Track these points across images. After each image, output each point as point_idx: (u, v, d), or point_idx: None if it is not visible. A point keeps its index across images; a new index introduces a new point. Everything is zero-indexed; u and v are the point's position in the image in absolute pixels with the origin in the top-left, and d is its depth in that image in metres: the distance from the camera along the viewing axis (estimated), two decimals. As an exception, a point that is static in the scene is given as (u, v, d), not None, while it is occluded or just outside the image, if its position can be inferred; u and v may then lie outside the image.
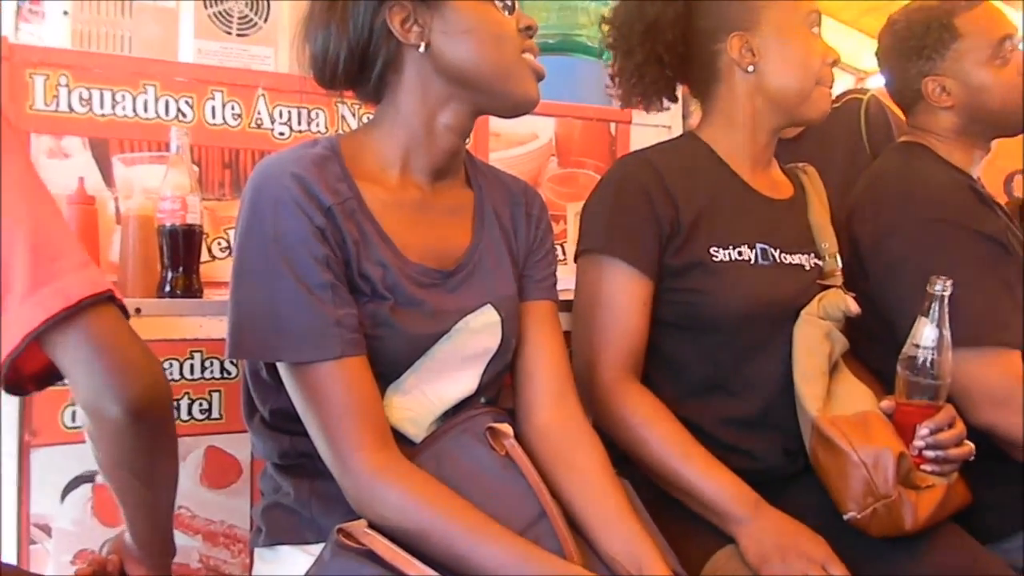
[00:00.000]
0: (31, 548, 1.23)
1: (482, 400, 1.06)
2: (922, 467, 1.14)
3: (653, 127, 1.75)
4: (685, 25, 1.33)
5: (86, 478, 1.25)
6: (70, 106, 1.44)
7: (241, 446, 1.34)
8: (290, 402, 0.93)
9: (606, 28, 1.40)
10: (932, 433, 1.14)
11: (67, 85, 1.43)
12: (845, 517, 1.12)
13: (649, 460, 1.17)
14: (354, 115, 1.57)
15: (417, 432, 0.99)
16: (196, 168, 1.49)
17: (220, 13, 1.72)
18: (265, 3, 1.73)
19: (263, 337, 0.91)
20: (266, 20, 1.73)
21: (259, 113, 1.53)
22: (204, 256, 1.41)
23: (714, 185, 1.31)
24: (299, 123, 1.55)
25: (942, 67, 1.43)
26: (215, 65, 1.67)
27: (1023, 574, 1.21)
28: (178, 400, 1.31)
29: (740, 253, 1.26)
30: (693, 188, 1.28)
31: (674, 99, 1.44)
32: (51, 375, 0.81)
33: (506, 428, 0.99)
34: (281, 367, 0.93)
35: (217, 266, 1.50)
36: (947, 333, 1.15)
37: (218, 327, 1.22)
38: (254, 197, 0.92)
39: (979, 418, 1.26)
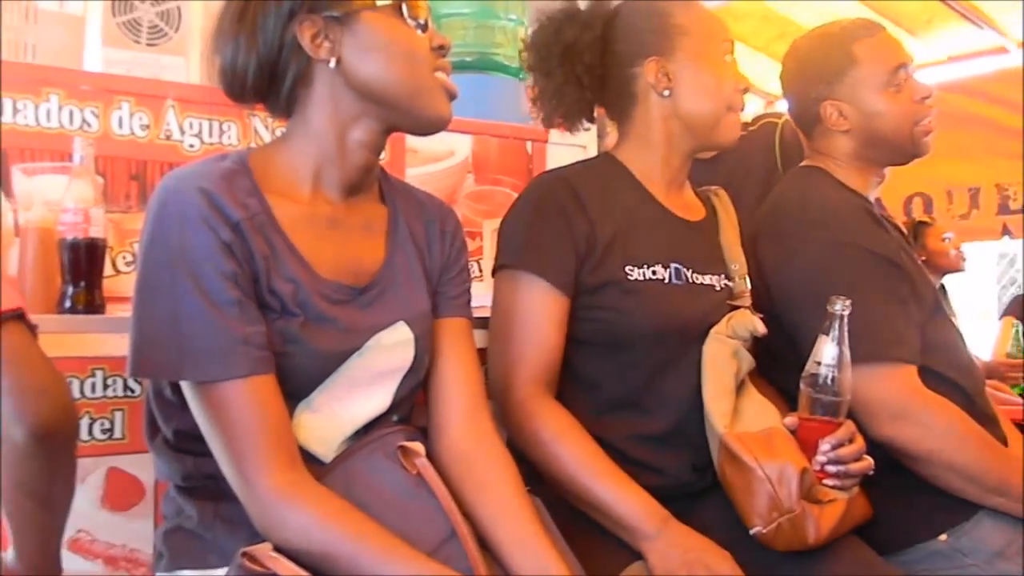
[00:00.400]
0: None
1: (394, 418, 1.05)
2: (824, 482, 1.18)
3: (569, 147, 1.77)
4: (603, 48, 1.36)
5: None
6: (-33, 114, 1.38)
7: (144, 467, 1.29)
8: (194, 422, 0.91)
9: (525, 52, 1.42)
10: (833, 448, 1.18)
11: (-36, 92, 1.37)
12: (751, 531, 1.14)
13: (561, 477, 1.18)
14: (267, 128, 1.54)
15: (326, 451, 0.97)
16: (101, 180, 1.44)
17: (130, 22, 1.67)
18: (176, 12, 1.69)
19: (166, 355, 0.88)
20: (177, 30, 1.69)
21: (168, 124, 1.50)
22: (108, 270, 1.37)
23: (630, 205, 1.33)
24: (210, 135, 1.52)
25: (840, 92, 1.48)
26: (123, 75, 1.62)
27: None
28: (79, 420, 1.26)
29: (654, 272, 1.28)
30: (609, 207, 1.30)
31: (592, 120, 1.46)
32: None
33: (418, 447, 0.99)
34: (185, 386, 0.91)
35: (122, 281, 1.45)
36: (847, 351, 1.19)
37: (121, 344, 1.16)
38: (159, 211, 0.90)
39: (879, 431, 1.30)
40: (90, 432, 1.27)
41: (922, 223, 3.89)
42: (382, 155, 1.09)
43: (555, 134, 1.77)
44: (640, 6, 1.37)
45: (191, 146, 1.51)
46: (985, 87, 4.31)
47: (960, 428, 1.31)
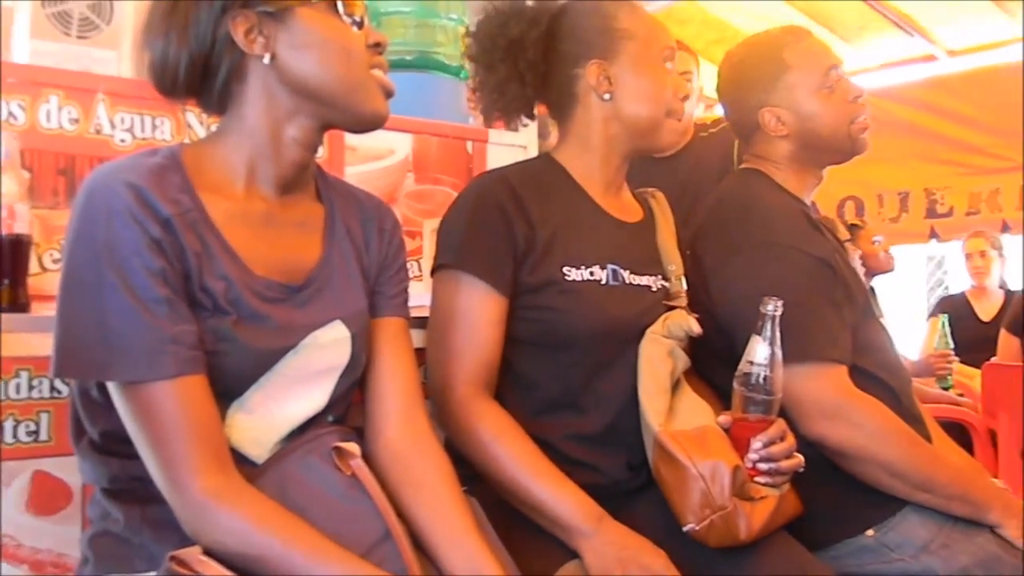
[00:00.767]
0: None
1: (330, 418, 1.04)
2: (756, 479, 1.20)
3: (510, 147, 1.78)
4: (547, 46, 1.36)
5: None
6: None
7: (72, 470, 1.25)
8: (121, 423, 0.89)
9: (468, 41, 1.41)
10: (765, 446, 1.20)
11: None
12: (684, 528, 1.16)
13: (499, 476, 1.18)
14: (202, 124, 1.51)
15: (260, 452, 0.96)
16: (27, 174, 1.39)
17: (59, 13, 1.62)
18: (108, 5, 1.65)
19: (92, 355, 0.86)
20: (109, 22, 1.65)
21: (99, 118, 1.46)
22: (34, 268, 1.33)
23: (568, 206, 1.33)
24: (142, 130, 1.48)
25: (776, 98, 1.51)
26: (51, 67, 1.58)
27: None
28: (3, 422, 1.22)
29: (592, 273, 1.29)
30: (548, 208, 1.30)
31: (532, 117, 1.46)
32: None
33: (353, 447, 0.98)
34: (111, 387, 0.88)
35: (48, 278, 1.40)
36: (779, 351, 1.22)
37: (47, 343, 1.12)
38: (85, 206, 0.88)
39: (810, 430, 1.33)
40: (15, 434, 1.23)
41: (854, 226, 3.99)
42: (320, 153, 1.08)
43: (495, 134, 1.77)
44: (586, 7, 1.38)
45: (122, 141, 1.48)
46: (915, 94, 4.45)
47: (888, 426, 1.35)
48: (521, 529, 1.15)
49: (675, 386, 1.31)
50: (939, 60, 4.35)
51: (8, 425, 1.22)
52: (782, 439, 1.23)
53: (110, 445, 0.94)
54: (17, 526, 1.22)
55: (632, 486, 1.29)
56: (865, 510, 1.37)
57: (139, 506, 0.94)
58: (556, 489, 1.16)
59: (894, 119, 4.35)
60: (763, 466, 1.20)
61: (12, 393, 1.23)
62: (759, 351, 1.21)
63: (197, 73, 0.97)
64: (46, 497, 1.24)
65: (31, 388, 1.23)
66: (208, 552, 0.85)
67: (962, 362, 3.27)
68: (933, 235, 4.49)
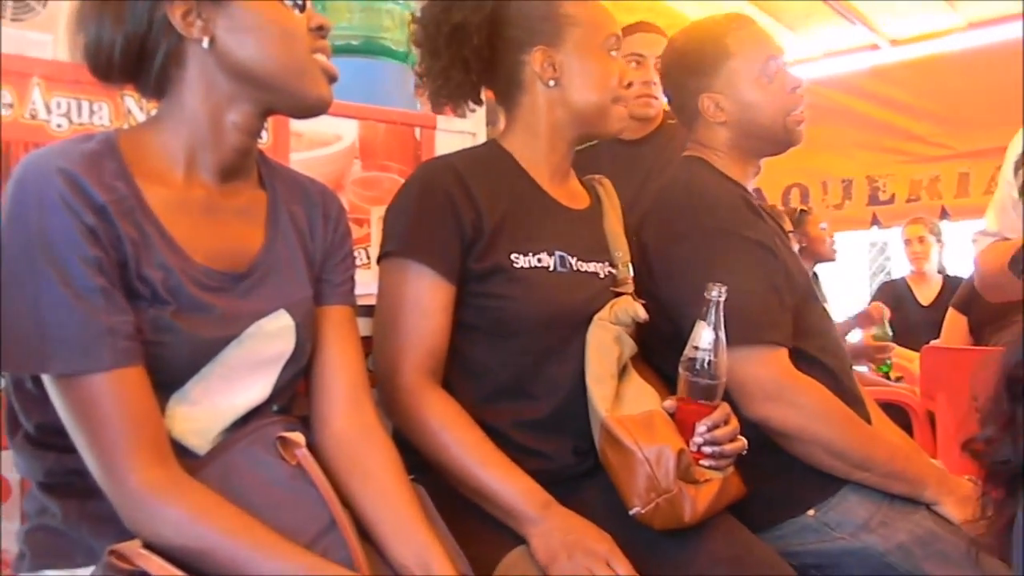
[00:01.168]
0: None
1: (274, 408, 1.03)
2: (700, 462, 1.22)
3: (458, 133, 1.76)
4: (492, 32, 1.35)
5: None
6: None
7: (10, 465, 1.22)
8: (57, 416, 0.87)
9: (413, 27, 1.40)
10: (709, 430, 1.22)
11: None
12: (630, 512, 1.17)
13: (448, 464, 1.18)
14: (142, 109, 1.47)
15: (202, 444, 0.95)
16: (-42, 161, 1.35)
17: (-9, -7, 1.57)
18: (44, -15, 1.60)
19: (26, 347, 0.84)
20: (45, 5, 1.60)
21: (34, 103, 1.41)
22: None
23: (516, 192, 1.33)
24: (79, 115, 1.44)
25: (716, 85, 1.53)
26: (-17, 49, 1.53)
27: (791, 559, 1.31)
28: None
29: (540, 260, 1.30)
30: (496, 194, 1.30)
31: (480, 103, 1.46)
32: None
33: (298, 437, 0.97)
34: (47, 379, 0.86)
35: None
36: (723, 335, 1.23)
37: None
38: (17, 193, 0.85)
39: (753, 412, 1.35)
40: (-51, 429, 1.19)
41: (803, 211, 4.07)
42: (264, 139, 1.06)
43: (443, 120, 1.76)
44: None
45: (58, 126, 1.43)
46: (858, 82, 4.53)
47: (828, 407, 1.38)
48: (469, 517, 1.15)
49: (622, 372, 1.32)
50: (881, 49, 4.43)
51: (-58, 419, 1.19)
52: (726, 422, 1.25)
53: (45, 438, 0.92)
54: (-46, 522, 1.19)
55: (579, 471, 1.30)
56: (806, 490, 1.40)
57: (77, 500, 0.92)
58: (503, 476, 1.16)
59: (838, 107, 4.43)
60: (708, 449, 1.22)
61: (-55, 386, 1.19)
62: (703, 336, 1.23)
63: (132, 57, 0.94)
64: (-17, 493, 1.21)
65: (-36, 381, 1.20)
66: (148, 546, 0.84)
67: (902, 345, 3.36)
68: (875, 222, 4.59)
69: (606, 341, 1.29)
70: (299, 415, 1.08)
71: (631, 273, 1.41)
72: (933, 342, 3.27)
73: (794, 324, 1.43)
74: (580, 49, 1.34)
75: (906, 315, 3.76)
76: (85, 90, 1.43)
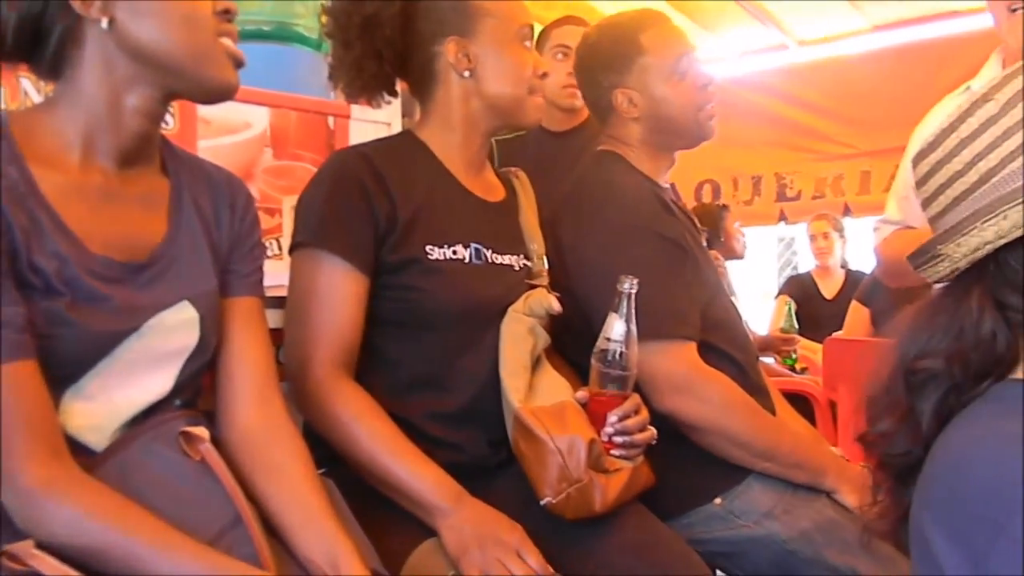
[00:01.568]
0: None
1: (177, 403, 1.00)
2: (611, 452, 1.24)
3: (372, 123, 1.74)
4: (405, 23, 1.34)
5: None
6: None
7: None
8: None
9: (325, 18, 1.37)
10: (620, 420, 1.24)
11: None
12: (542, 502, 1.18)
13: (359, 457, 1.17)
14: (39, 91, 1.41)
15: (99, 440, 0.91)
16: None
17: None
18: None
19: None
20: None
21: (-80, 83, 1.34)
22: None
23: (430, 184, 1.33)
24: (-29, 97, 1.37)
25: (629, 81, 1.55)
26: None
27: (698, 547, 1.34)
28: None
29: (455, 252, 1.29)
30: (410, 185, 1.29)
31: (394, 94, 1.44)
32: None
33: (201, 432, 0.94)
34: (-69, 373, 0.82)
35: None
36: (634, 327, 1.25)
37: None
38: None
39: (662, 404, 1.38)
40: None
41: (724, 207, 4.17)
42: (171, 124, 1.03)
43: (358, 110, 1.73)
44: None
45: (-52, 107, 1.36)
46: (769, 82, 4.65)
47: (734, 400, 1.42)
48: (380, 510, 1.14)
49: (536, 363, 1.33)
50: (790, 50, 4.55)
51: None
52: (636, 412, 1.27)
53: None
54: None
55: (493, 462, 1.30)
56: (713, 480, 1.43)
57: (-34, 500, 0.88)
58: (415, 468, 1.16)
59: (749, 106, 4.53)
60: (618, 439, 1.24)
61: None
62: (615, 328, 1.25)
63: (27, 36, 0.90)
64: None
65: None
66: (42, 545, 0.80)
67: (806, 337, 3.48)
68: (782, 217, 4.72)
69: (520, 333, 1.30)
70: (205, 410, 1.05)
71: (546, 266, 1.42)
72: (836, 334, 3.40)
73: (702, 318, 1.46)
74: (494, 40, 1.34)
75: (811, 308, 3.89)
76: (-23, 70, 1.36)
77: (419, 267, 1.26)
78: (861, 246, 4.24)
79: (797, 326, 3.43)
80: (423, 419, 1.25)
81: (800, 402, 2.89)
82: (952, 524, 0.70)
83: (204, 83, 0.96)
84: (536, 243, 1.43)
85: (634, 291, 1.25)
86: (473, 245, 1.32)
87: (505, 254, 1.36)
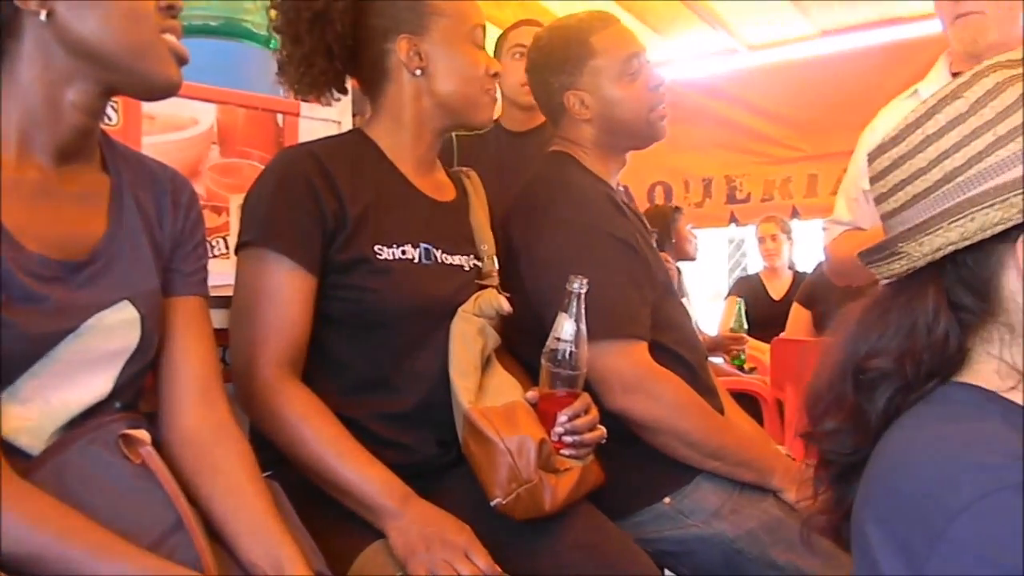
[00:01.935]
0: None
1: (117, 405, 0.97)
2: (561, 452, 1.24)
3: (322, 121, 1.72)
4: (355, 19, 1.32)
5: None
6: None
7: None
8: None
9: (273, 12, 1.35)
10: (570, 420, 1.24)
11: None
12: (492, 503, 1.17)
13: (306, 459, 1.15)
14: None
15: (35, 443, 0.89)
16: None
17: None
18: None
19: None
20: None
21: None
22: None
23: (380, 183, 1.31)
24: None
25: (581, 82, 1.55)
26: None
27: (647, 546, 1.35)
28: None
29: (404, 252, 1.28)
30: (359, 184, 1.28)
31: (344, 91, 1.43)
32: None
33: (142, 434, 0.92)
34: None
35: None
36: (584, 327, 1.25)
37: None
38: None
39: (613, 403, 1.39)
40: None
41: (677, 209, 4.22)
42: (114, 120, 1.00)
43: (307, 108, 1.71)
44: None
45: None
46: (719, 85, 4.72)
47: (684, 399, 1.43)
48: (327, 512, 1.13)
49: (486, 364, 1.32)
50: (740, 53, 4.61)
51: None
52: (586, 412, 1.27)
53: None
54: None
55: (442, 463, 1.29)
56: (662, 479, 1.44)
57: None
58: (362, 469, 1.15)
59: (700, 109, 4.59)
60: (568, 439, 1.24)
61: None
62: (565, 328, 1.25)
63: None
64: None
65: None
66: None
67: (755, 337, 3.53)
68: (732, 219, 4.79)
69: (470, 333, 1.29)
70: (146, 412, 1.02)
71: (496, 266, 1.42)
72: (782, 334, 3.45)
73: (653, 318, 1.47)
74: (446, 39, 1.33)
75: (759, 308, 3.95)
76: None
77: (368, 267, 1.25)
78: (809, 248, 4.32)
79: (747, 326, 3.48)
80: (372, 420, 1.24)
81: (748, 401, 2.93)
82: (892, 526, 0.70)
83: (145, 79, 0.94)
84: (487, 243, 1.43)
85: (584, 291, 1.25)
86: (423, 245, 1.31)
87: (455, 254, 1.36)
